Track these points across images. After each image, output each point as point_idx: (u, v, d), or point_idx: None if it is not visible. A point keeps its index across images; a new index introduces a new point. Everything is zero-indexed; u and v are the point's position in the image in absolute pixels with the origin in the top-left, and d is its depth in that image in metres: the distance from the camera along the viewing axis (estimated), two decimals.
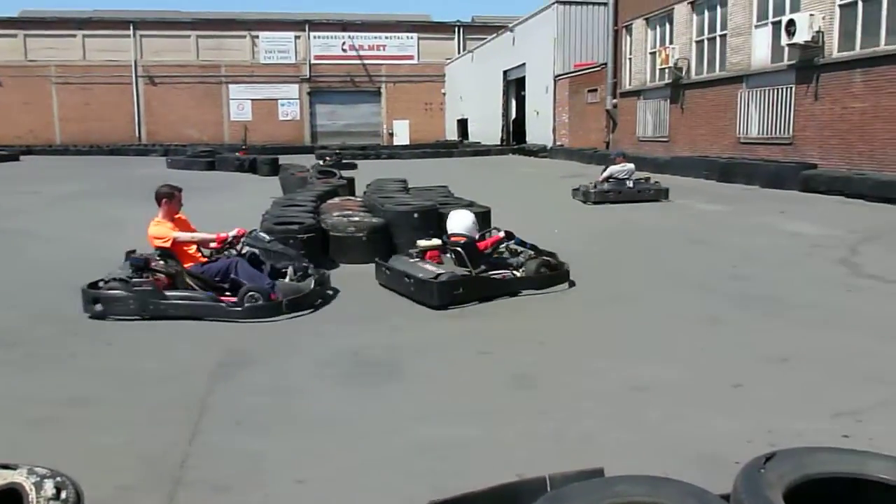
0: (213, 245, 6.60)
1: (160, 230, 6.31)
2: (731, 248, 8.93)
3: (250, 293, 6.01)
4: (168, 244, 6.28)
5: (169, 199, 6.46)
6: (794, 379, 4.40)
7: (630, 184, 13.95)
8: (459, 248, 6.89)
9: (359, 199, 10.86)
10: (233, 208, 14.04)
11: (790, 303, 6.22)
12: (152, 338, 5.52)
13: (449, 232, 7.21)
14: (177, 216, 6.59)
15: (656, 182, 14.32)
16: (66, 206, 14.71)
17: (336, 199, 10.46)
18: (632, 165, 14.39)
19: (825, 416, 3.77)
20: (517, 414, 3.91)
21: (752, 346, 5.02)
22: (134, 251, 6.35)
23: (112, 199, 15.87)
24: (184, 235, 6.43)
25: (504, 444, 3.53)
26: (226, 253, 6.51)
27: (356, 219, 8.33)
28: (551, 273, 6.92)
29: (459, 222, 7.20)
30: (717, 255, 8.53)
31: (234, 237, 6.52)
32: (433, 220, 8.50)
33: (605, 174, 14.26)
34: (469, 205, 9.38)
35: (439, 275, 6.34)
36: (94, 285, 5.99)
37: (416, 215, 8.43)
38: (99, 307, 5.88)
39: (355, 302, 6.54)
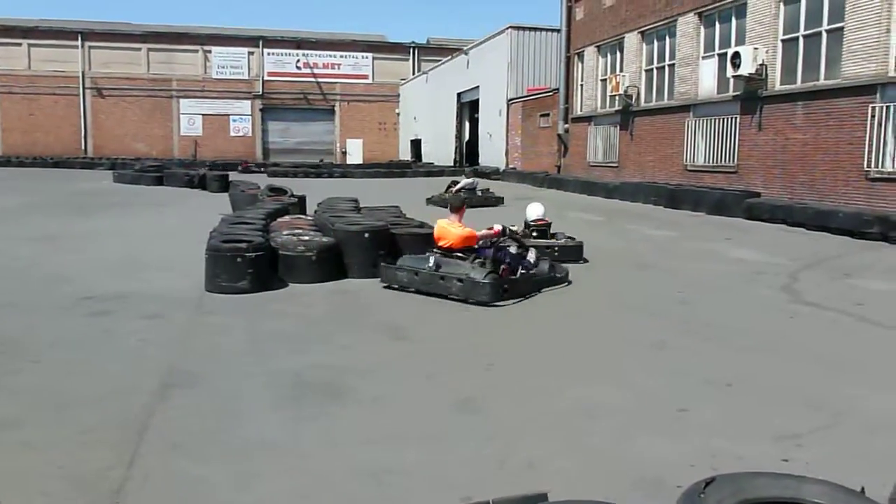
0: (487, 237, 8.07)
1: (466, 231, 7.90)
2: (678, 273, 9.06)
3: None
4: (473, 242, 7.84)
5: (462, 206, 8.24)
6: (738, 403, 4.45)
7: (479, 193, 18.67)
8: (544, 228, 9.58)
9: (309, 217, 10.78)
10: (180, 224, 13.88)
11: (734, 328, 6.32)
12: (86, 357, 5.32)
13: (530, 218, 9.61)
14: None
15: (492, 192, 19.27)
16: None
17: (286, 218, 10.38)
18: (477, 180, 19.97)
19: (766, 441, 3.82)
20: (462, 438, 3.86)
21: (697, 371, 5.07)
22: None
23: (49, 212, 15.47)
24: (481, 233, 7.99)
25: (449, 468, 3.48)
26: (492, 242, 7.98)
27: (306, 238, 8.24)
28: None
29: (536, 210, 9.85)
30: (664, 280, 8.65)
31: (499, 231, 8.06)
32: (384, 240, 8.46)
33: (460, 185, 18.88)
34: (420, 225, 9.41)
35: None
36: None
37: (366, 235, 8.35)
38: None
39: (302, 322, 6.44)
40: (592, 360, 5.38)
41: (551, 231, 9.65)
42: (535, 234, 9.50)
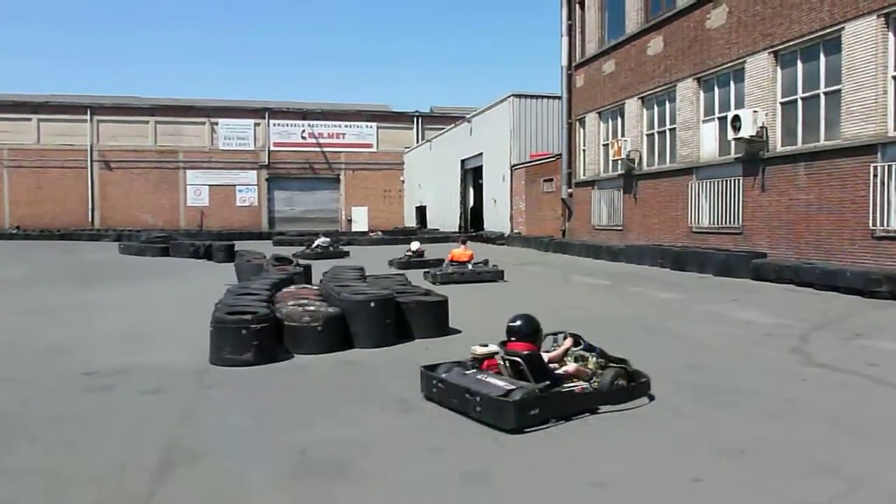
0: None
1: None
2: (686, 336, 8.98)
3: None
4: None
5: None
6: (752, 472, 4.35)
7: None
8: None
9: (315, 287, 10.77)
10: (184, 295, 13.89)
11: (745, 392, 6.22)
12: (85, 435, 5.24)
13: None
14: None
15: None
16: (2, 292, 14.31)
17: (292, 288, 10.36)
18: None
19: None
20: None
21: (709, 438, 4.98)
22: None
23: (52, 284, 15.52)
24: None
25: None
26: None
27: (311, 308, 8.19)
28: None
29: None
30: (672, 344, 8.58)
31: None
32: (390, 310, 8.43)
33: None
34: (425, 293, 9.38)
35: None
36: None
37: (372, 304, 8.29)
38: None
39: (307, 395, 6.36)
40: (603, 429, 5.26)
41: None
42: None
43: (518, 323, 6.01)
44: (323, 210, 51.05)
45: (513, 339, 5.94)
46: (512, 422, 5.07)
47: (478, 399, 5.32)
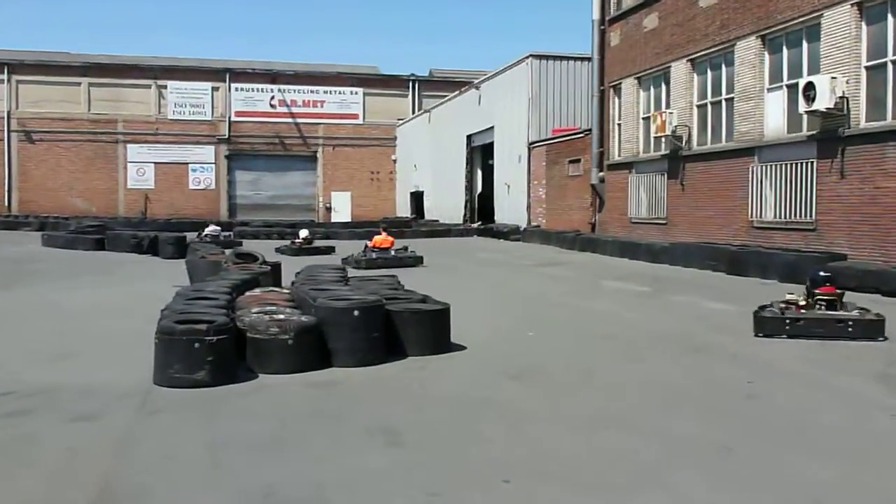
0: None
1: None
2: (744, 358, 8.93)
3: None
4: None
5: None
6: None
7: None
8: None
9: (285, 290, 10.75)
10: (123, 300, 13.91)
11: (818, 430, 6.19)
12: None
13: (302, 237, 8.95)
14: None
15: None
16: None
17: (256, 291, 10.33)
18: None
19: None
20: None
21: (773, 484, 4.95)
22: None
23: None
24: None
25: None
26: None
27: (281, 317, 8.18)
28: None
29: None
30: (726, 367, 8.52)
31: None
32: (378, 320, 8.42)
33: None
34: (422, 300, 9.37)
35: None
36: None
37: (356, 313, 8.26)
38: None
39: (274, 422, 6.34)
40: (641, 470, 5.26)
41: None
42: None
43: None
44: (296, 196, 51.24)
45: None
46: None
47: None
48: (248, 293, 10.09)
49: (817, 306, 9.85)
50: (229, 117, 50.03)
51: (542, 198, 31.80)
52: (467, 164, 39.36)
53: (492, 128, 35.98)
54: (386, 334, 8.46)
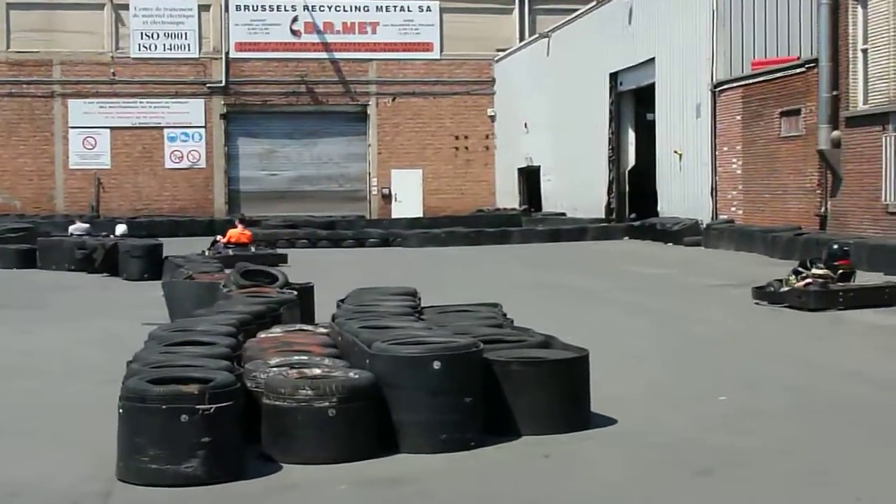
0: None
1: None
2: None
3: None
4: None
5: None
6: None
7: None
8: None
9: (322, 329, 8.82)
10: (66, 346, 11.44)
11: None
12: None
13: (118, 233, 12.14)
14: None
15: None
16: None
17: (276, 331, 8.39)
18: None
19: None
20: None
21: None
22: None
23: None
24: None
25: None
26: None
27: (315, 371, 6.44)
28: None
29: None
30: None
31: None
32: (472, 376, 6.52)
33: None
34: (543, 343, 7.48)
35: None
36: None
37: (437, 365, 6.32)
38: None
39: None
40: None
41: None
42: None
43: None
44: (333, 177, 37.93)
45: None
46: None
47: None
48: (262, 334, 8.27)
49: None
50: (227, 53, 36.15)
51: (735, 174, 24.78)
52: (611, 120, 30.33)
53: (651, 61, 27.94)
54: (486, 399, 6.60)
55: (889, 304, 12.46)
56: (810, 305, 12.31)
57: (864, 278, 13.57)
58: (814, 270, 12.55)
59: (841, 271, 12.49)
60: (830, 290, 12.51)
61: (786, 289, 12.90)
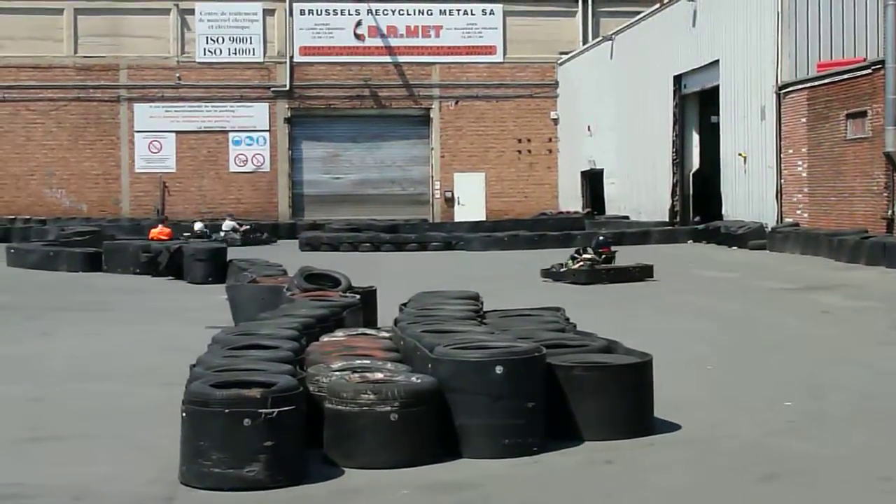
0: None
1: None
2: None
3: None
4: None
5: None
6: None
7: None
8: None
9: (384, 333, 8.80)
10: (128, 348, 11.43)
11: None
12: None
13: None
14: None
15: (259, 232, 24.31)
16: None
17: (339, 334, 8.41)
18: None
19: None
20: None
21: None
22: None
23: None
24: None
25: None
26: None
27: (378, 376, 6.45)
28: None
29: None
30: None
31: None
32: (535, 381, 6.50)
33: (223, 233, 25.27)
34: (605, 348, 7.43)
35: None
36: None
37: (499, 370, 6.31)
38: None
39: None
40: None
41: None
42: None
43: None
44: (397, 181, 38.47)
45: None
46: None
47: None
48: (325, 338, 8.26)
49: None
50: (291, 57, 36.54)
51: (801, 177, 24.68)
52: (675, 122, 30.62)
53: (715, 63, 28.19)
54: (548, 404, 6.57)
55: (639, 280, 16.59)
56: (582, 281, 16.13)
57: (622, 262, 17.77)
58: (584, 256, 16.76)
59: (604, 256, 16.78)
60: (596, 269, 16.57)
61: (563, 269, 16.68)
